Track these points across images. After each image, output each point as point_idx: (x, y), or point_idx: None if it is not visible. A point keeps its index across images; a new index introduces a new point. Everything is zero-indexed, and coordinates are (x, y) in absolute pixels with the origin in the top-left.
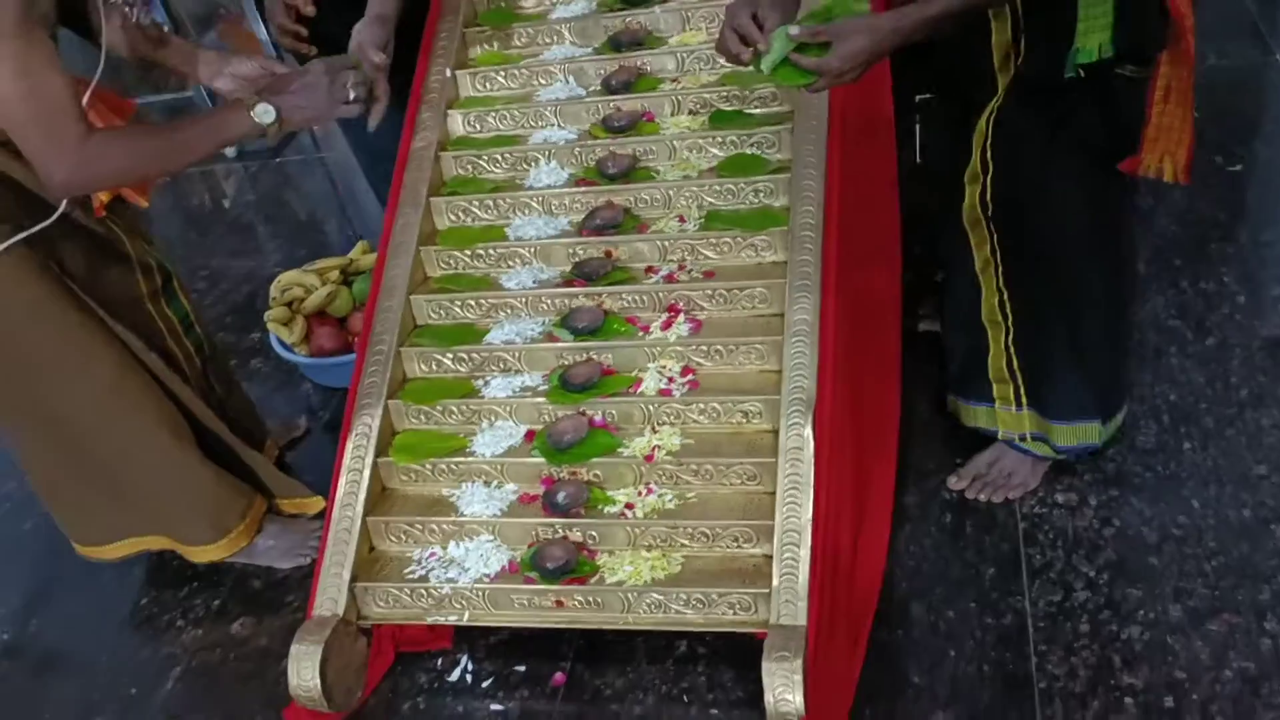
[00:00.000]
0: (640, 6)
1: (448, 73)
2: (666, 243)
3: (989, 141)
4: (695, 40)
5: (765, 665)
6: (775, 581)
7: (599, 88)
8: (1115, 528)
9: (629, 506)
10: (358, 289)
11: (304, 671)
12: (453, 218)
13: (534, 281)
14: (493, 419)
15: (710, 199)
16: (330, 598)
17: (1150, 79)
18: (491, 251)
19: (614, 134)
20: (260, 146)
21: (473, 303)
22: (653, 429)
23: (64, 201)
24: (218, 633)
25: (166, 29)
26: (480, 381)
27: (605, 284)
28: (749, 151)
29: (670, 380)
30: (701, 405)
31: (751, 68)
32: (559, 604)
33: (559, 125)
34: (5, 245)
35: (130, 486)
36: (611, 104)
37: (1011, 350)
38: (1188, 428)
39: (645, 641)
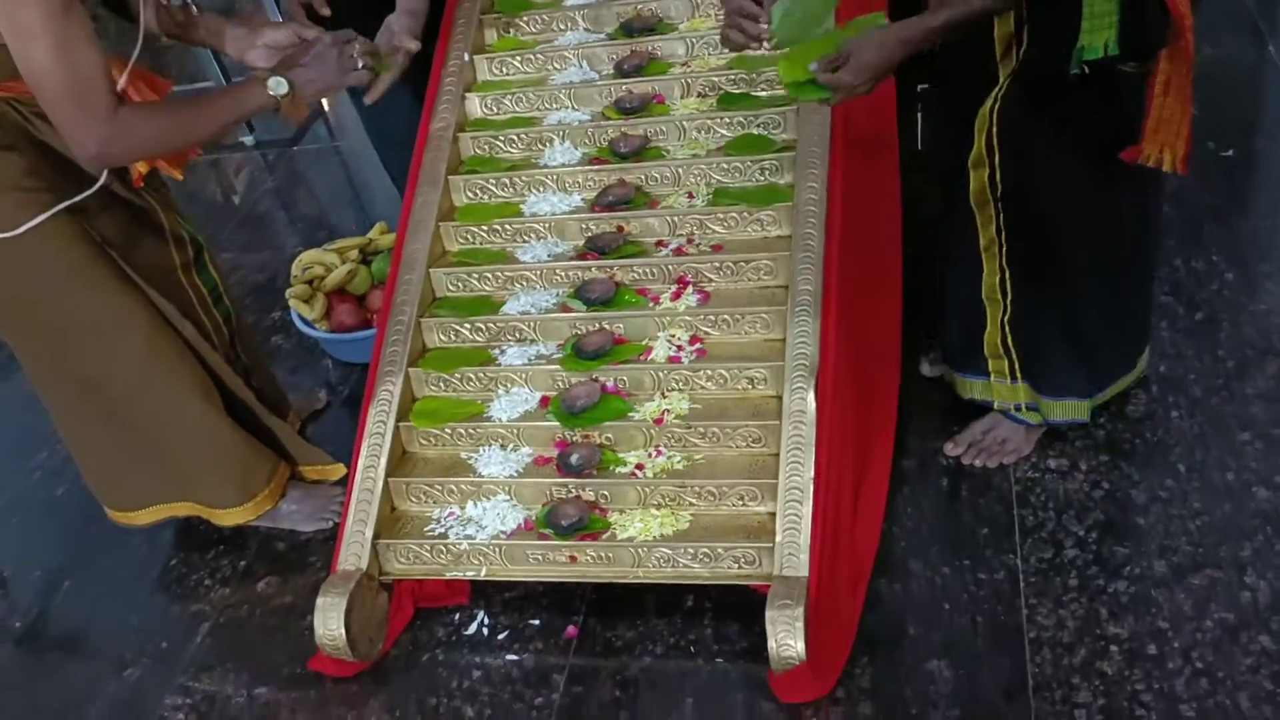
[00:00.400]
0: None
1: (465, 57)
2: (676, 218)
3: (994, 128)
4: (704, 26)
5: (769, 613)
6: (778, 536)
7: (611, 71)
8: (1104, 490)
9: (639, 467)
10: (376, 267)
11: (330, 621)
12: (470, 195)
13: (548, 255)
14: (509, 386)
15: (718, 176)
16: (354, 553)
17: (1151, 74)
18: (507, 227)
19: (626, 115)
20: (278, 136)
21: (490, 275)
22: (662, 394)
23: (104, 172)
24: (244, 591)
25: (194, 9)
26: (497, 350)
27: (617, 257)
28: (755, 131)
29: (679, 348)
30: (709, 372)
31: (763, 48)
32: (572, 559)
33: (573, 107)
34: (49, 214)
35: (161, 450)
36: (623, 87)
37: (1007, 329)
38: (1176, 397)
39: (654, 596)
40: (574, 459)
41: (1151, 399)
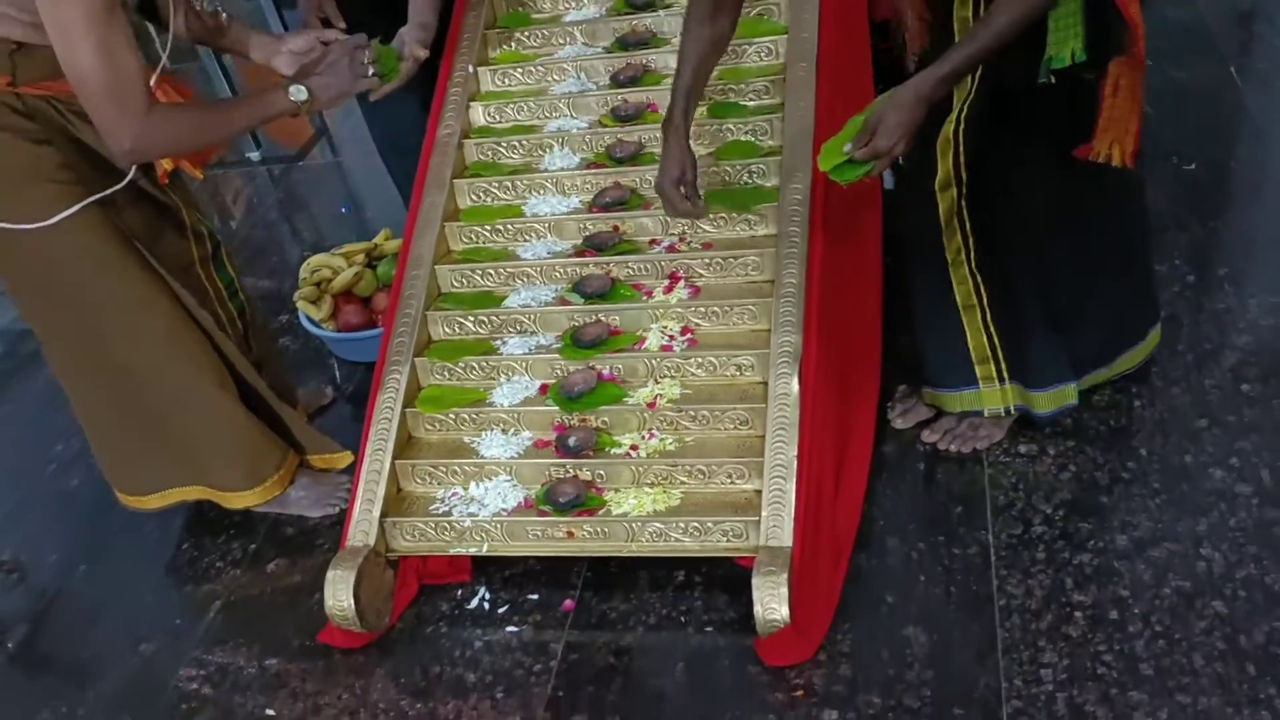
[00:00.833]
0: (646, 11)
1: (470, 69)
2: (668, 218)
3: (959, 149)
4: None
5: (755, 580)
6: (764, 510)
7: (608, 82)
8: (1071, 473)
9: (633, 448)
10: (381, 271)
11: (339, 593)
12: (474, 198)
13: (548, 253)
14: (510, 374)
15: (708, 179)
16: (362, 530)
17: (1103, 79)
18: (509, 227)
19: (621, 123)
20: (283, 152)
21: (492, 272)
22: (655, 381)
23: (133, 168)
24: (254, 572)
25: (224, 17)
26: (499, 341)
27: (613, 254)
28: (744, 138)
29: (671, 338)
30: (699, 359)
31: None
32: (570, 534)
33: (571, 115)
34: (81, 205)
35: (177, 434)
36: (619, 96)
37: (991, 328)
38: (1138, 388)
39: (647, 572)
40: (572, 441)
41: (1116, 390)
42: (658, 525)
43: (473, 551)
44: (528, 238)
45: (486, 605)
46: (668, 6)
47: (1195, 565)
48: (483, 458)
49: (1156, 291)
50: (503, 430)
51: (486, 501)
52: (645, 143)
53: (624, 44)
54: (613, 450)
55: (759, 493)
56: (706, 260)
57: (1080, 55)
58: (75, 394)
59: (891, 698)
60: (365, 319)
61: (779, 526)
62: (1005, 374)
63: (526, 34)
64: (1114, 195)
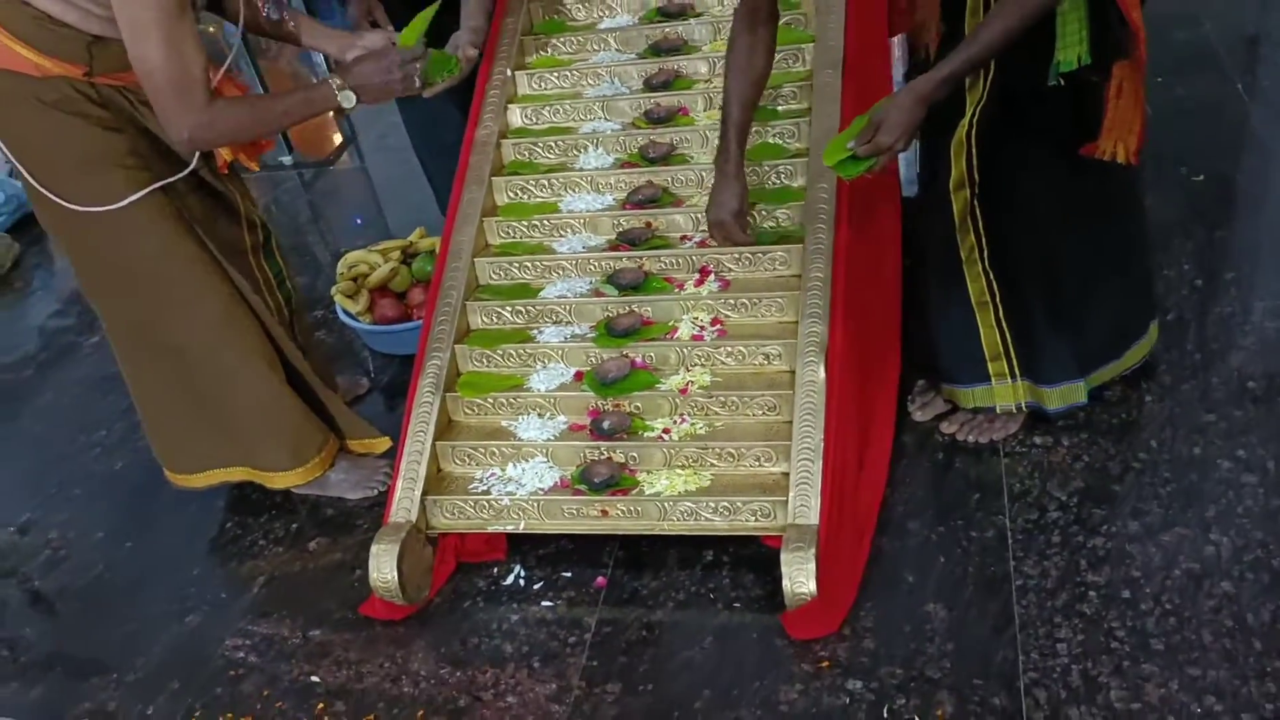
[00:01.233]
0: (677, 19)
1: (508, 73)
2: (699, 215)
3: (972, 150)
4: (725, 48)
5: (784, 555)
6: (792, 490)
7: (640, 87)
8: (1084, 462)
9: (665, 431)
10: (416, 267)
11: (383, 566)
12: (511, 195)
13: (583, 247)
14: (546, 361)
15: None
16: (404, 507)
17: (1107, 81)
18: (545, 222)
19: (654, 125)
20: (314, 160)
21: (529, 264)
22: (686, 369)
23: (196, 156)
24: (296, 549)
25: (285, 12)
26: (535, 330)
27: (646, 249)
28: (771, 140)
29: (702, 328)
30: (729, 348)
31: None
32: (604, 513)
33: (605, 118)
34: (147, 190)
35: (226, 412)
36: (652, 100)
37: (1004, 324)
38: (1149, 384)
39: (676, 551)
40: (606, 424)
41: (1127, 386)
42: (688, 504)
43: (510, 528)
44: (563, 233)
45: (521, 582)
46: (698, 15)
47: (1204, 549)
48: (520, 440)
49: (1155, 288)
50: (539, 414)
51: (524, 481)
52: (677, 144)
53: (656, 50)
54: (645, 434)
55: (786, 475)
56: (736, 255)
57: (1086, 59)
58: (131, 371)
59: (913, 669)
60: (400, 313)
61: (806, 505)
62: (1017, 370)
63: (562, 40)
64: (1115, 195)
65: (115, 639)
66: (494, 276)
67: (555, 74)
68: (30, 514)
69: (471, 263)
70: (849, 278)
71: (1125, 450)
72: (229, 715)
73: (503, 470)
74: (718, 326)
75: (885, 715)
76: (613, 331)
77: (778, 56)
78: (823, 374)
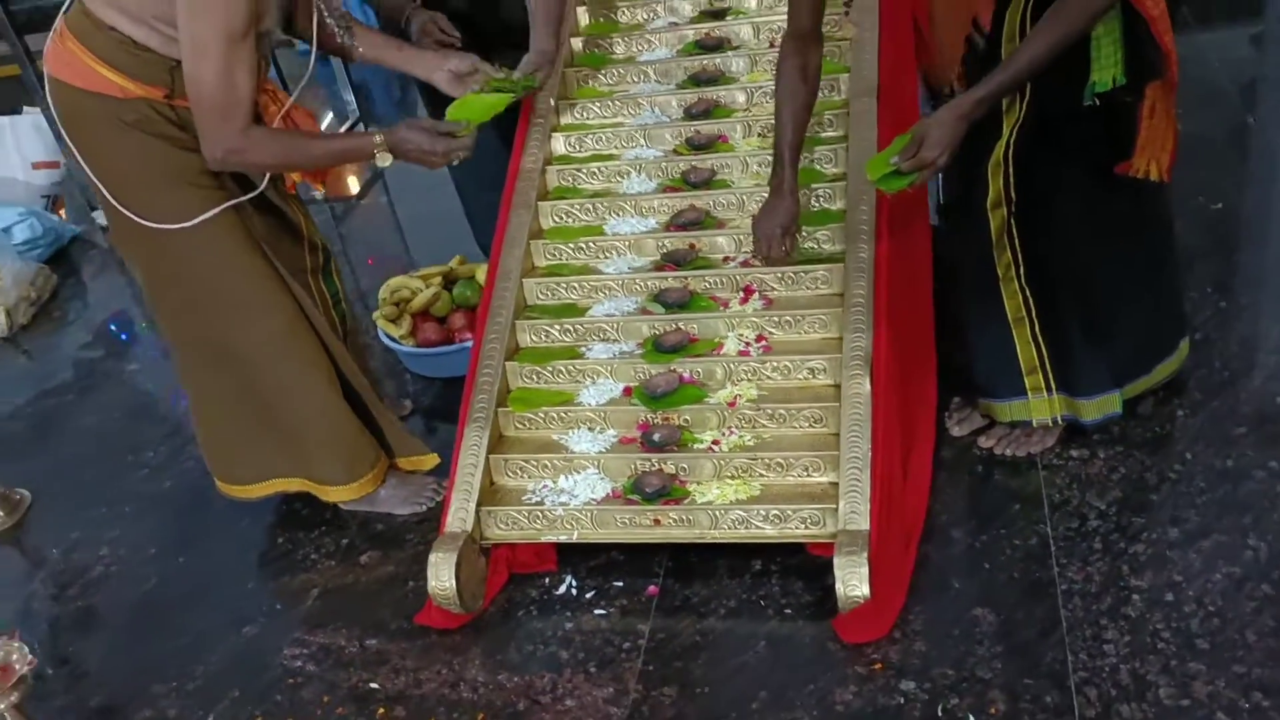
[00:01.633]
0: (715, 52)
1: (551, 103)
2: (742, 236)
3: (1009, 169)
4: (763, 78)
5: (837, 560)
6: (841, 498)
7: (680, 115)
8: (1121, 474)
9: (715, 443)
10: (457, 292)
11: (441, 574)
12: (556, 219)
13: (628, 268)
14: (595, 377)
15: None
16: (460, 518)
17: (1140, 102)
18: (591, 245)
19: (695, 151)
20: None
21: (576, 285)
22: (733, 383)
23: (265, 178)
24: (348, 563)
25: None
26: (584, 348)
27: (690, 269)
28: (810, 166)
29: (747, 344)
30: (774, 364)
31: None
32: (656, 522)
33: (646, 145)
34: (219, 209)
35: (285, 425)
36: (692, 127)
37: (1040, 340)
38: (1180, 400)
39: (726, 561)
40: (656, 437)
41: (1159, 401)
42: (739, 513)
43: (563, 538)
44: (608, 254)
45: (574, 592)
46: (735, 49)
47: (1243, 553)
48: (572, 453)
49: (1185, 306)
50: (590, 428)
51: (576, 492)
52: (718, 169)
53: (696, 80)
54: (695, 446)
55: (833, 484)
56: (779, 274)
57: (1120, 79)
58: (195, 383)
59: (965, 670)
60: (442, 336)
61: (857, 512)
62: (1053, 384)
63: (603, 72)
64: (1148, 214)
65: (172, 650)
66: (541, 296)
67: (597, 104)
68: (80, 532)
69: (520, 283)
70: (890, 293)
71: (1160, 462)
72: None
73: (555, 482)
74: (763, 343)
75: (940, 714)
76: (660, 347)
77: None
78: (868, 386)
